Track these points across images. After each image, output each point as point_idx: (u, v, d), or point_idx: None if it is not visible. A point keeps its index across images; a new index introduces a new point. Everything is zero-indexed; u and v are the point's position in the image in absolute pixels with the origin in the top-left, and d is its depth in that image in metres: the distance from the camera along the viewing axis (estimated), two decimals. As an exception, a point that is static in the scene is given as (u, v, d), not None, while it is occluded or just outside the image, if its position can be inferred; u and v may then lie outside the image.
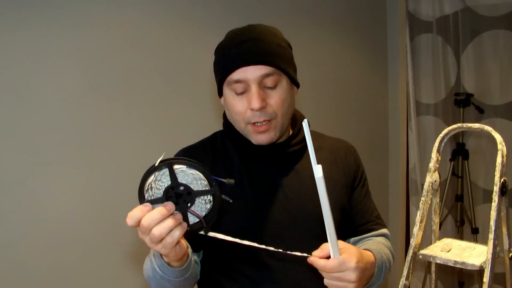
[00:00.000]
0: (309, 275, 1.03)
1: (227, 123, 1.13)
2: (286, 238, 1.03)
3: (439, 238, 1.18)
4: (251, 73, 0.99)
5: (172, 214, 0.78)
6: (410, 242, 1.11)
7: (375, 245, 1.09)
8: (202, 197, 0.80)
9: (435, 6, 2.87)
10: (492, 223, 0.98)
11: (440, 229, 1.40)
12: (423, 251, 1.10)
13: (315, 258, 0.87)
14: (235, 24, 1.10)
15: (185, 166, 0.77)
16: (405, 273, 1.11)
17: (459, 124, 1.12)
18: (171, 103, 1.91)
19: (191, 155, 1.09)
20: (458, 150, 2.72)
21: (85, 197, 1.71)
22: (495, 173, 1.00)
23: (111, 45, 1.75)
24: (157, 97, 1.87)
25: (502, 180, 0.99)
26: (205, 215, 0.82)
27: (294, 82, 1.09)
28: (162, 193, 0.78)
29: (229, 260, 1.03)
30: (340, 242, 0.90)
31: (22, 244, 1.59)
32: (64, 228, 1.67)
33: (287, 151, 1.09)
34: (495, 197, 0.99)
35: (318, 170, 0.77)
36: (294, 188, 1.07)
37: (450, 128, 1.12)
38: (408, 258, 1.11)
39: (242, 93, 1.02)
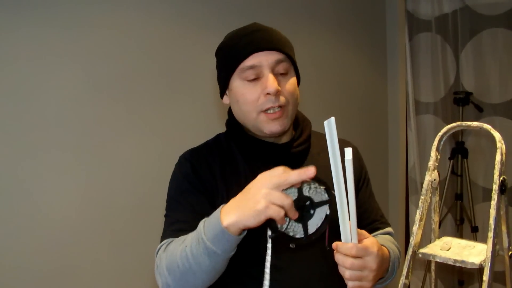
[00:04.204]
0: (317, 275, 1.03)
1: (231, 122, 1.12)
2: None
3: (439, 237, 1.19)
4: (265, 58, 1.01)
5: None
6: (410, 240, 1.11)
7: (383, 241, 1.09)
8: (320, 208, 0.87)
9: (434, 5, 2.87)
10: (492, 221, 0.98)
11: (439, 227, 1.40)
12: (422, 250, 1.10)
13: (340, 242, 0.86)
14: (236, 24, 1.11)
15: (312, 182, 0.86)
16: (404, 271, 1.11)
17: (458, 123, 1.12)
18: (172, 104, 1.91)
19: (199, 156, 1.08)
20: (458, 149, 2.72)
21: (85, 198, 1.71)
22: (495, 171, 1.00)
23: (112, 45, 1.75)
24: (158, 98, 1.87)
25: (501, 178, 0.99)
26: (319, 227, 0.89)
27: (298, 77, 1.10)
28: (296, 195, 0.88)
29: (235, 261, 1.03)
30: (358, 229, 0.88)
31: (22, 246, 1.58)
32: (64, 229, 1.67)
33: (292, 152, 1.08)
34: (495, 196, 0.99)
35: (348, 152, 0.78)
36: None
37: (449, 126, 1.12)
38: (408, 256, 1.11)
39: (254, 81, 1.02)
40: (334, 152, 0.81)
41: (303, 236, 0.87)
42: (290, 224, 0.87)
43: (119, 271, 1.79)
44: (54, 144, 1.64)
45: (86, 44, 1.70)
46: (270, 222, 0.84)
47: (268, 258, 0.87)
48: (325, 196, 0.86)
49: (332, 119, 0.80)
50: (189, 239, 0.90)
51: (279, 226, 0.85)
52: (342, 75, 2.64)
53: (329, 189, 0.86)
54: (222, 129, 1.17)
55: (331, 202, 0.86)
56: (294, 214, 0.83)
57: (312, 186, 0.86)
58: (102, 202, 1.75)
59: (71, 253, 1.68)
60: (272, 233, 0.85)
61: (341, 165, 0.80)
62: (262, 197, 0.81)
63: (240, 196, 0.86)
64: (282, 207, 0.81)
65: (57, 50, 1.64)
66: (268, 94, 1.00)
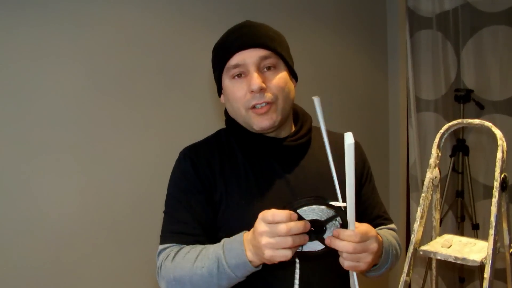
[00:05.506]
0: (317, 272, 1.03)
1: (229, 120, 1.12)
2: None
3: (440, 234, 1.19)
4: (249, 55, 1.01)
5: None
6: (411, 238, 1.11)
7: (384, 232, 1.11)
8: (332, 222, 0.88)
9: (434, 2, 2.87)
10: (493, 218, 0.98)
11: (440, 225, 1.40)
12: (423, 247, 1.10)
13: (341, 230, 0.88)
14: (236, 21, 1.11)
15: (306, 207, 0.86)
16: (405, 269, 1.11)
17: (459, 120, 1.11)
18: (172, 102, 1.91)
19: (198, 152, 1.09)
20: (459, 146, 2.72)
21: (85, 197, 1.71)
22: (496, 168, 1.00)
23: (111, 43, 1.75)
24: (158, 96, 1.87)
25: (502, 175, 0.99)
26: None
27: (293, 73, 1.09)
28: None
29: None
30: None
31: (23, 245, 1.59)
32: (65, 229, 1.67)
33: (291, 146, 1.08)
34: (496, 193, 0.99)
35: (349, 137, 0.78)
36: (300, 184, 1.07)
37: (450, 124, 1.12)
38: (409, 254, 1.11)
39: (241, 79, 1.03)
40: (324, 130, 0.85)
41: (323, 246, 0.90)
42: (306, 245, 0.89)
43: (120, 271, 1.79)
44: (54, 144, 1.64)
45: (85, 42, 1.70)
46: None
47: (297, 276, 0.92)
48: (331, 212, 0.86)
49: (317, 98, 0.83)
50: (204, 259, 0.93)
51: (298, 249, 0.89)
52: (342, 72, 2.64)
53: (331, 205, 0.86)
54: (222, 126, 1.17)
55: (338, 213, 0.87)
56: (304, 240, 0.86)
57: (316, 209, 0.86)
58: (103, 201, 1.75)
59: (71, 253, 1.68)
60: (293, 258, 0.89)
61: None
62: (264, 247, 0.84)
63: (251, 237, 0.89)
64: (292, 245, 0.84)
65: (56, 49, 1.64)
66: (252, 91, 1.00)
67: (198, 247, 0.98)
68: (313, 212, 0.86)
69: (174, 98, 1.92)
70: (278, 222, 0.83)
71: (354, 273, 0.92)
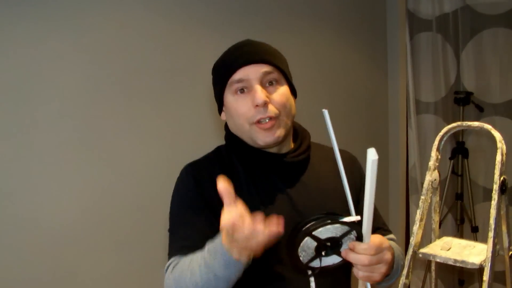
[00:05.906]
0: (329, 282, 1.03)
1: (229, 136, 1.13)
2: None
3: (439, 237, 1.19)
4: (252, 71, 1.02)
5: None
6: (410, 240, 1.11)
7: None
8: (348, 236, 0.89)
9: (434, 5, 2.87)
10: (492, 221, 0.98)
11: (440, 227, 1.40)
12: (423, 250, 1.10)
13: (356, 243, 0.88)
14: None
15: (321, 228, 0.86)
16: (405, 271, 1.11)
17: (459, 123, 1.12)
18: (172, 103, 1.91)
19: (200, 168, 1.09)
20: (458, 149, 2.72)
21: (85, 198, 1.71)
22: (495, 171, 1.00)
23: (112, 44, 1.75)
24: (159, 97, 1.87)
25: (501, 178, 0.99)
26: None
27: (292, 90, 1.10)
28: (313, 252, 0.90)
29: (245, 274, 1.03)
30: None
31: (22, 245, 1.58)
32: (64, 229, 1.66)
33: (292, 162, 1.09)
34: (495, 196, 0.99)
35: (372, 153, 0.79)
36: (302, 199, 1.07)
37: (449, 126, 1.12)
38: (408, 256, 1.11)
39: (244, 94, 1.03)
40: (334, 142, 0.85)
41: (341, 259, 0.91)
42: (324, 260, 0.90)
43: (120, 274, 1.79)
44: (53, 143, 1.64)
45: (86, 42, 1.70)
46: (307, 266, 0.90)
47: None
48: (345, 228, 0.87)
49: (325, 110, 0.85)
50: (196, 269, 0.92)
51: (315, 265, 0.90)
52: (343, 74, 2.64)
53: (344, 222, 0.86)
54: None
55: (352, 228, 0.87)
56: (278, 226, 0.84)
57: (331, 227, 0.87)
58: (104, 203, 1.75)
59: (72, 255, 1.68)
60: (311, 273, 0.91)
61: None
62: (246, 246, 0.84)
63: (228, 245, 0.87)
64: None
65: (57, 49, 1.63)
66: (257, 106, 1.01)
67: (190, 256, 0.97)
68: (328, 230, 0.86)
69: (176, 100, 1.92)
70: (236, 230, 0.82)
71: (368, 284, 0.93)
